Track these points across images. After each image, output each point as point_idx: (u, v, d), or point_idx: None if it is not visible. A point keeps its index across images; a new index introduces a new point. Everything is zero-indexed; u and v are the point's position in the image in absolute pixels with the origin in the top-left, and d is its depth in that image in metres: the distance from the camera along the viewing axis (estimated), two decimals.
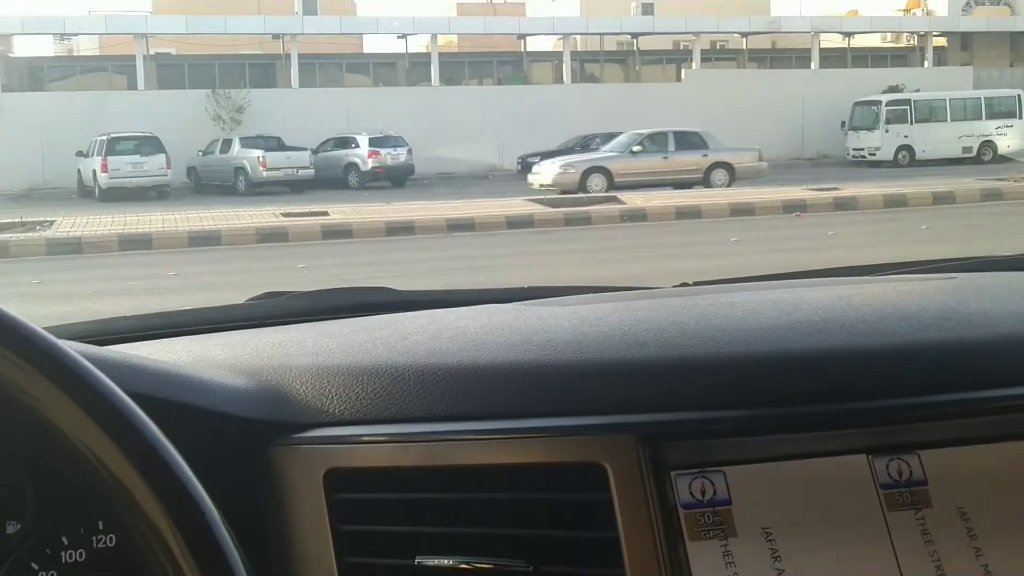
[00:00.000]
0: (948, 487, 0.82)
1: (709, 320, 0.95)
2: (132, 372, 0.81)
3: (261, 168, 24.01)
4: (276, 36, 32.75)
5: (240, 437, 0.84)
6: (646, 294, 1.20)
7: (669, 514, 0.78)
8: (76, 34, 34.49)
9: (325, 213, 16.25)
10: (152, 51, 32.45)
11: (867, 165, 26.84)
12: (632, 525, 0.77)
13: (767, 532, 0.79)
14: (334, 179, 24.81)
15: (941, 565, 0.79)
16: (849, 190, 17.48)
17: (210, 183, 25.16)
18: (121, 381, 0.78)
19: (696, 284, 1.39)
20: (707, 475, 0.80)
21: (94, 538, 0.77)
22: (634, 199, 16.94)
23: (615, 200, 16.98)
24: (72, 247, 13.59)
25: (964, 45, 37.73)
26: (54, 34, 33.59)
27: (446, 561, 0.79)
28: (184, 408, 0.82)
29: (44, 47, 38.34)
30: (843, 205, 16.08)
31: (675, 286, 1.39)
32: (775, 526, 0.79)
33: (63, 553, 0.76)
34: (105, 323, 1.23)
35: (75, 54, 38.44)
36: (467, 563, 0.78)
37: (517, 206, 16.67)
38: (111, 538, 0.77)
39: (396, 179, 25.14)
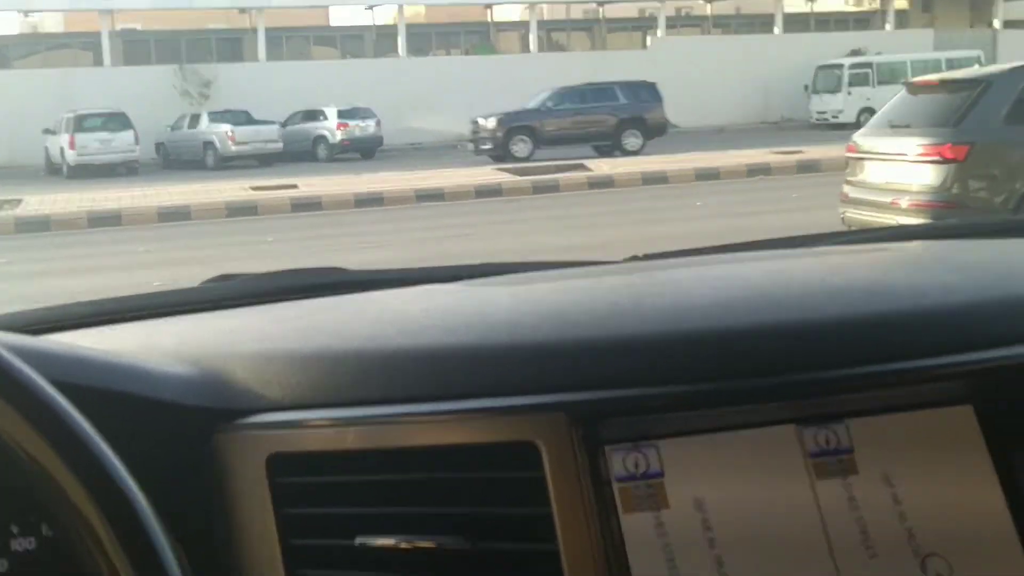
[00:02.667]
0: (874, 454, 0.84)
1: (642, 298, 0.96)
2: (71, 362, 0.82)
3: (230, 142, 23.82)
4: (243, 10, 32.31)
5: (183, 425, 0.85)
6: (588, 272, 1.21)
7: (602, 489, 0.80)
8: (40, 10, 33.85)
9: (294, 186, 16.18)
10: (118, 27, 31.97)
11: (830, 128, 26.91)
12: (565, 501, 0.79)
13: (699, 503, 0.81)
14: (303, 152, 24.64)
15: (867, 530, 0.82)
16: (812, 152, 17.56)
17: (179, 158, 24.94)
18: (59, 371, 0.79)
19: (646, 257, 1.41)
20: (640, 449, 0.82)
21: (43, 526, 0.78)
22: (601, 166, 16.94)
23: (582, 167, 16.98)
24: (40, 225, 13.46)
25: (925, 7, 37.84)
26: (18, 10, 32.95)
27: (387, 541, 0.80)
28: (126, 398, 0.82)
29: (9, 25, 37.65)
30: (807, 167, 16.18)
31: (625, 259, 1.40)
32: (707, 496, 0.81)
33: (12, 541, 0.77)
34: (53, 310, 1.23)
35: (40, 31, 37.79)
36: (408, 542, 0.80)
37: (485, 175, 16.65)
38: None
39: (365, 151, 25.00)
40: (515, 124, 21.50)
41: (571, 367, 0.85)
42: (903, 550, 0.81)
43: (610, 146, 21.33)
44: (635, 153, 20.91)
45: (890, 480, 0.83)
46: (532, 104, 22.38)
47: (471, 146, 22.01)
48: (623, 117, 21.71)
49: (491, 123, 21.56)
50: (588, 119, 21.61)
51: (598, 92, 22.33)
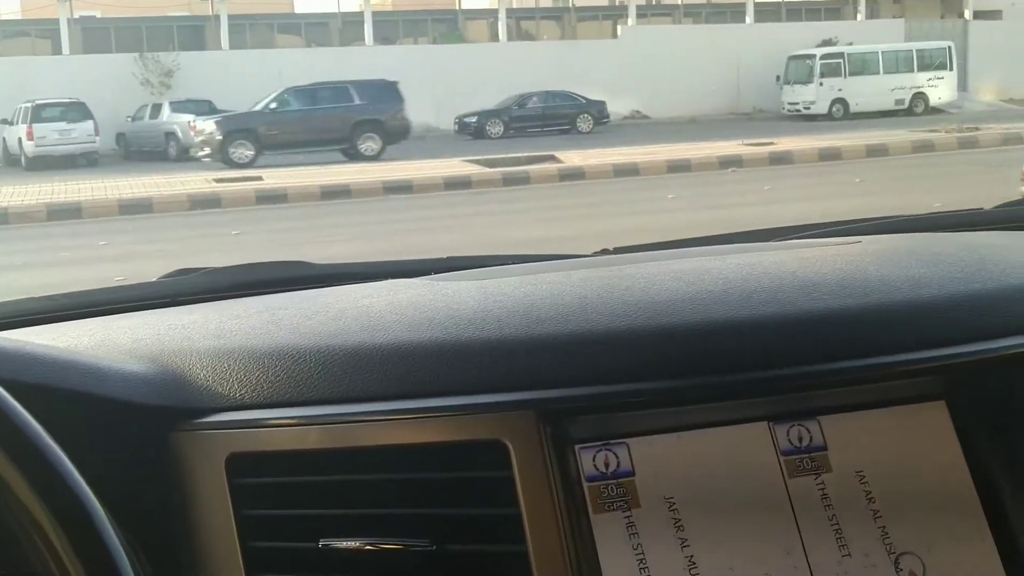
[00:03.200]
0: (847, 452, 0.83)
1: (611, 293, 0.95)
2: (24, 360, 0.79)
3: (192, 133, 23.57)
4: None
5: (140, 424, 0.83)
6: (558, 265, 1.20)
7: (572, 488, 0.79)
8: None
9: (259, 178, 16.05)
10: (76, 14, 31.53)
11: (802, 119, 27.14)
12: (534, 501, 0.78)
13: (670, 502, 0.80)
14: None
15: (840, 529, 0.81)
16: (784, 144, 17.66)
17: (140, 149, 24.67)
18: (12, 370, 0.76)
19: (616, 250, 1.39)
20: (611, 447, 0.81)
21: None
22: (572, 158, 16.95)
23: (552, 159, 16.98)
24: None
25: None
26: None
27: (351, 543, 0.79)
28: (80, 396, 0.80)
29: None
30: (778, 160, 16.25)
31: (595, 253, 1.39)
32: (678, 495, 0.80)
33: None
34: (6, 306, 1.19)
35: None
36: (372, 544, 0.79)
37: (454, 167, 16.60)
38: None
39: None
40: (234, 128, 19.61)
41: (540, 364, 0.83)
42: (877, 548, 0.81)
43: (348, 150, 19.87)
44: (374, 158, 19.32)
45: (863, 478, 0.83)
46: (257, 106, 20.75)
47: (193, 151, 20.25)
48: (359, 119, 20.00)
49: (209, 126, 19.67)
50: (320, 121, 19.81)
51: (332, 92, 20.62)
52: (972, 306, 0.91)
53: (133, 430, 0.83)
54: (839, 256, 1.08)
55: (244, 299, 1.14)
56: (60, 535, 0.60)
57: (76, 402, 0.80)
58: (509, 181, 15.12)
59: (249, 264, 1.33)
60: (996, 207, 1.53)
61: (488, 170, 15.91)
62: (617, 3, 37.43)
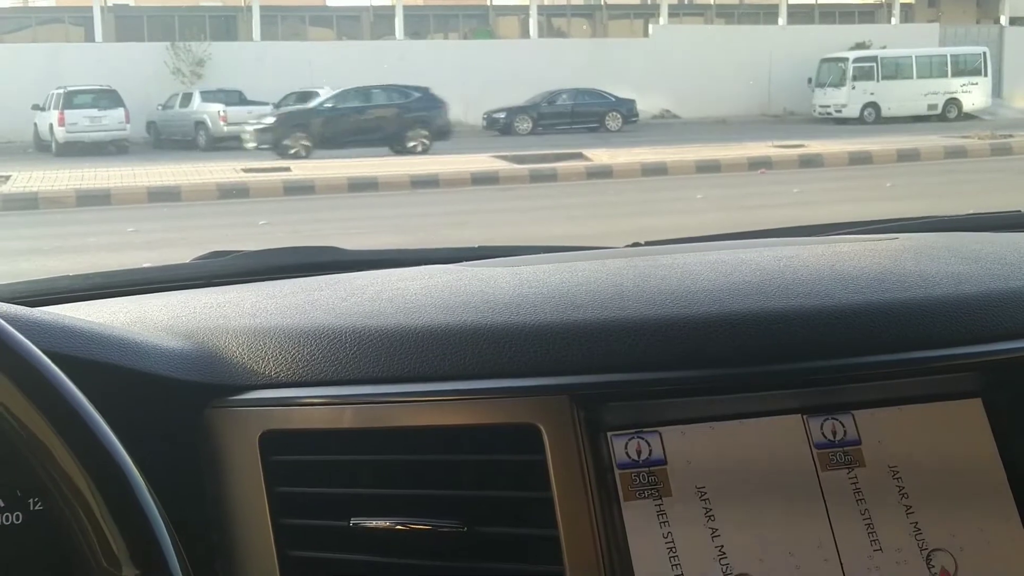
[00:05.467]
0: (881, 447, 0.83)
1: (647, 282, 0.95)
2: (63, 333, 0.80)
3: (222, 123, 23.66)
4: None
5: (175, 399, 0.84)
6: (592, 255, 1.20)
7: (604, 474, 0.79)
8: None
9: (287, 168, 16.12)
10: (110, 2, 31.78)
11: (833, 122, 26.89)
12: (566, 485, 0.78)
13: (701, 491, 0.80)
14: None
15: (872, 523, 0.80)
16: (815, 147, 17.52)
17: (170, 138, 24.80)
18: (51, 342, 0.77)
19: (647, 244, 1.39)
20: (643, 435, 0.81)
21: (31, 501, 0.76)
22: (600, 155, 16.90)
23: (580, 156, 16.94)
24: (28, 203, 13.39)
25: (931, 2, 37.80)
26: None
27: (382, 522, 0.79)
28: (117, 370, 0.81)
29: None
30: (808, 162, 16.13)
31: (627, 246, 1.39)
32: (709, 485, 0.80)
33: (0, 516, 0.75)
34: (45, 283, 1.21)
35: (30, 5, 37.54)
36: (403, 524, 0.79)
37: (482, 162, 16.59)
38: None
39: None
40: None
41: (574, 349, 0.83)
42: (909, 544, 0.80)
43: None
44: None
45: (897, 473, 0.82)
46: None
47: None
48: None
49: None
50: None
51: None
52: (1011, 304, 0.90)
53: (169, 405, 0.84)
54: (878, 251, 1.07)
55: (278, 281, 1.14)
56: (100, 502, 0.61)
57: (113, 376, 0.80)
58: (537, 178, 15.09)
59: (283, 248, 1.34)
60: None
61: (516, 166, 15.89)
62: (649, 2, 37.26)
